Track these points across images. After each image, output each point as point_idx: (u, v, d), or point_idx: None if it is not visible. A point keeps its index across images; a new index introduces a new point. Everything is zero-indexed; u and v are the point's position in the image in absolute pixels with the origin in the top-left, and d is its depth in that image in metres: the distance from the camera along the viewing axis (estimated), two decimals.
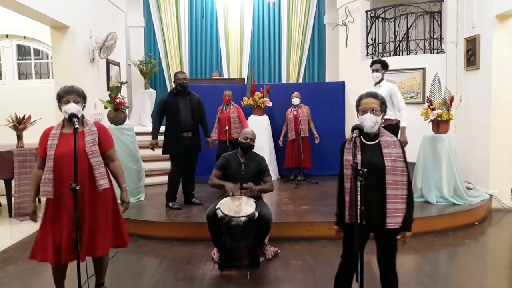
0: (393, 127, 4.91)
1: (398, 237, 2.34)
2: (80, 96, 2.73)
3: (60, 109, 2.71)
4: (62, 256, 2.61)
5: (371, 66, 5.18)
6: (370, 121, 2.30)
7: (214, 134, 6.01)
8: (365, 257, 2.18)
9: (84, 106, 2.77)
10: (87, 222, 2.66)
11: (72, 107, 2.66)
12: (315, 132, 6.46)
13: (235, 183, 3.64)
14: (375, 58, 6.59)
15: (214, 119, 6.04)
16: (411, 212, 2.33)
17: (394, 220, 2.25)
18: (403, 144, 4.95)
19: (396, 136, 4.70)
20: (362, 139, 2.35)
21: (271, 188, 3.76)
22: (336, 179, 2.44)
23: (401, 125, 4.99)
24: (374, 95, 2.38)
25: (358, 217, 2.11)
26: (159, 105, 5.00)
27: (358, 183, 2.12)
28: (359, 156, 2.24)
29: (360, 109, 2.36)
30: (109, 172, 2.86)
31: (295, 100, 6.44)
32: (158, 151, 5.08)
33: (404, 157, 2.33)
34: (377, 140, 2.34)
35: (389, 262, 2.38)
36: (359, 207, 2.11)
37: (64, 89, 2.72)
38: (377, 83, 5.12)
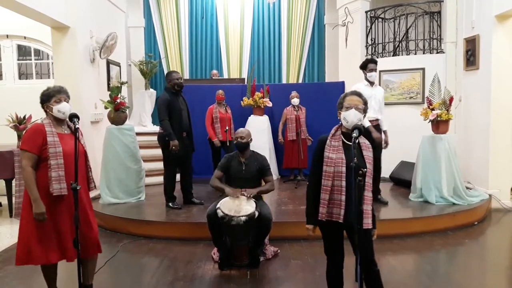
0: (378, 127, 5.03)
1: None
2: (68, 97, 2.74)
3: (48, 108, 2.66)
4: (68, 255, 2.63)
5: (364, 66, 4.93)
6: (355, 117, 2.32)
7: (219, 135, 6.03)
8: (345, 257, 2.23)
9: None
10: (86, 221, 2.69)
11: (66, 106, 2.66)
12: (307, 134, 6.51)
13: (236, 183, 3.67)
14: (374, 58, 6.54)
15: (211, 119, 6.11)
16: (373, 210, 2.42)
17: (368, 221, 2.30)
18: (387, 146, 5.02)
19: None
20: (343, 139, 2.38)
21: (272, 187, 3.76)
22: None
23: (385, 128, 5.08)
24: (359, 95, 2.44)
25: (356, 217, 2.14)
26: (163, 105, 4.74)
27: (343, 183, 2.23)
28: (343, 155, 2.30)
29: (345, 105, 2.39)
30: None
31: (295, 101, 6.44)
32: (159, 151, 5.08)
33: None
34: (357, 141, 2.35)
35: (371, 259, 2.38)
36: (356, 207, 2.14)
37: (54, 88, 2.71)
38: (373, 84, 5.08)
